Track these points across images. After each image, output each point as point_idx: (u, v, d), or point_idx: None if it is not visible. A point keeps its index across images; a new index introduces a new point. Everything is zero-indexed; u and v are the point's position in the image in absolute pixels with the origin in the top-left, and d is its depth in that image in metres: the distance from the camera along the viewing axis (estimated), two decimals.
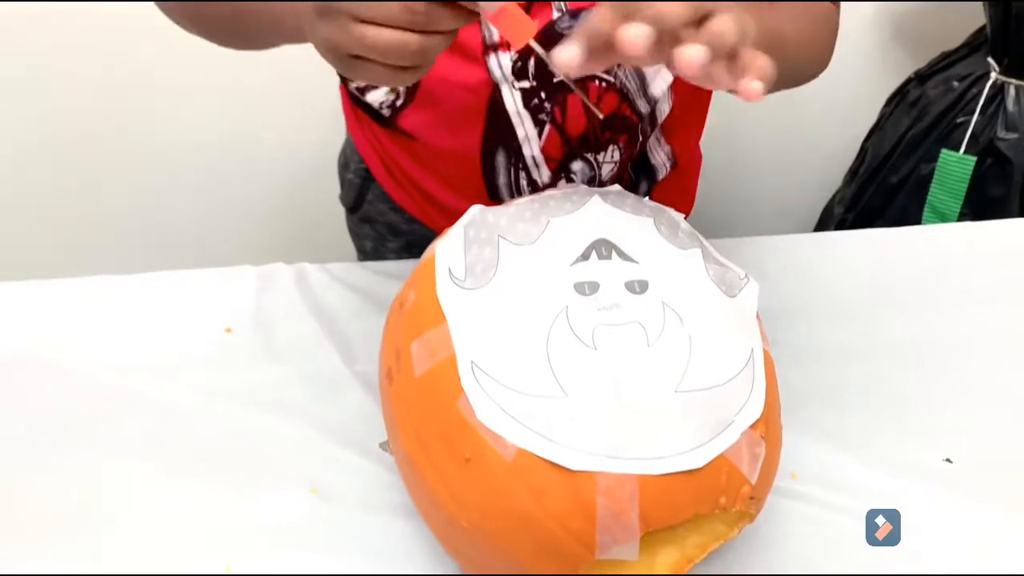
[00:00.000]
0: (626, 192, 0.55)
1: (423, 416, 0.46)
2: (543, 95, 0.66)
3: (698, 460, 0.42)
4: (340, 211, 0.94)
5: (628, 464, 0.41)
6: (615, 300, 0.46)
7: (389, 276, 0.74)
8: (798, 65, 0.64)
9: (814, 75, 0.68)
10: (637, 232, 0.51)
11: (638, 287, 0.47)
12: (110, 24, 1.28)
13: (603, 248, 0.49)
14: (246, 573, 0.51)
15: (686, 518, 0.43)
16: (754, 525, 0.49)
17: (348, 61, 0.46)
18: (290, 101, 1.36)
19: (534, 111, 0.67)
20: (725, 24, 0.41)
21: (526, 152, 0.69)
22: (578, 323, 0.45)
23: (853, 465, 0.58)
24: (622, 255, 0.49)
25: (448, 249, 0.51)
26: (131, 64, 1.32)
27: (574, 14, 0.63)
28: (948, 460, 0.59)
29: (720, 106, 0.79)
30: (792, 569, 0.52)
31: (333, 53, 0.46)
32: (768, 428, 0.46)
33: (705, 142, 0.84)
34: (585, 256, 0.49)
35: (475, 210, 0.53)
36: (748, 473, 0.44)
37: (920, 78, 1.27)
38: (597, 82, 0.67)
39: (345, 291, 0.73)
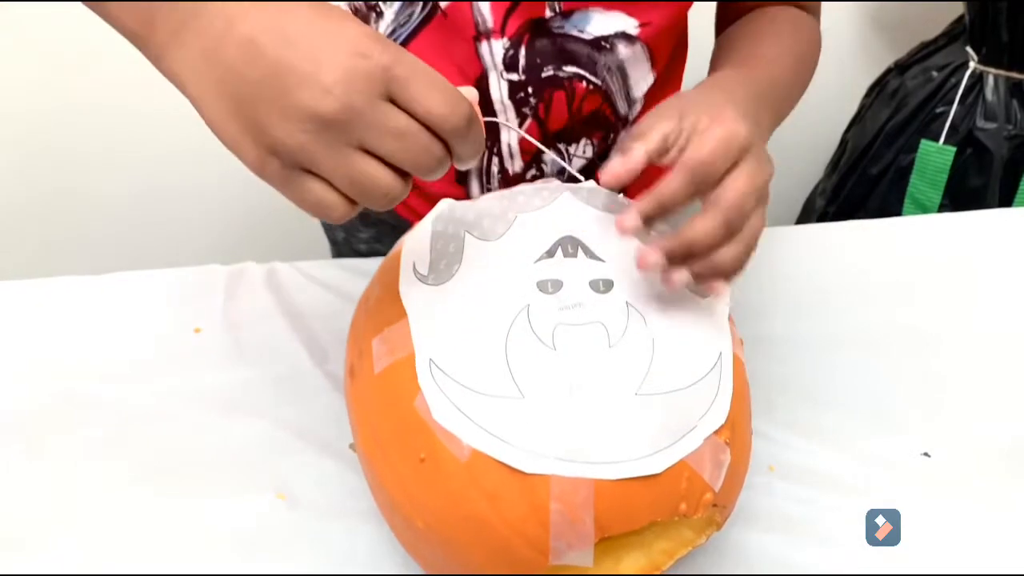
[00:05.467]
0: (600, 188, 0.54)
1: (380, 414, 0.45)
2: (530, 90, 0.66)
3: (657, 465, 0.41)
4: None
5: (584, 468, 0.40)
6: (578, 299, 0.45)
7: (361, 273, 0.73)
8: (794, 102, 0.66)
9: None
10: (606, 230, 0.50)
11: (602, 286, 0.47)
12: (77, 24, 1.26)
13: (569, 245, 0.49)
14: None
15: (643, 524, 0.42)
16: (729, 519, 0.48)
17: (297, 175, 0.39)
18: None
19: (519, 103, 0.66)
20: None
21: (503, 140, 0.68)
22: (538, 322, 0.44)
23: (831, 458, 0.58)
24: (588, 253, 0.48)
25: (415, 243, 0.50)
26: (101, 60, 1.30)
27: (566, 15, 0.62)
28: (926, 455, 0.58)
29: None
30: (768, 566, 0.51)
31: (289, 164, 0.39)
32: (735, 434, 0.45)
33: None
34: (550, 253, 0.48)
35: (444, 204, 0.52)
36: (711, 480, 0.43)
37: (899, 68, 1.27)
38: (584, 84, 0.66)
39: (316, 289, 0.72)
